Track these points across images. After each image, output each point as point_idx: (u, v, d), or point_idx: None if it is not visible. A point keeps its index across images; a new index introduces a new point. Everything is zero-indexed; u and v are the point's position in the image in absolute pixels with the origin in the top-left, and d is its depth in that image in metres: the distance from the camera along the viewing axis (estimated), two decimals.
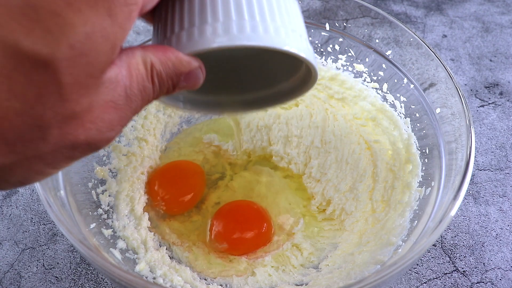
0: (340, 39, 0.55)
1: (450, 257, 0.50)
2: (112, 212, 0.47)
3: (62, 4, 0.18)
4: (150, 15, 0.29)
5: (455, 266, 0.49)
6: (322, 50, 0.56)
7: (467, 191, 0.55)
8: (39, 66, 0.18)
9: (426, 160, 0.47)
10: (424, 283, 0.48)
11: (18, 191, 0.55)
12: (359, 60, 0.55)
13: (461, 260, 0.50)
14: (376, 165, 0.51)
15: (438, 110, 0.47)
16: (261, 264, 0.47)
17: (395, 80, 0.52)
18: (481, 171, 0.58)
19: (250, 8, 0.26)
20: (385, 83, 0.53)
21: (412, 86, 0.51)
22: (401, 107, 0.52)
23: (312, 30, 0.55)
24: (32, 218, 0.53)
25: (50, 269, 0.49)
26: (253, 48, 0.25)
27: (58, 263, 0.49)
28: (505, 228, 0.52)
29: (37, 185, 0.36)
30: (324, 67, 0.57)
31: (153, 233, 0.48)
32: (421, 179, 0.47)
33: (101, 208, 0.46)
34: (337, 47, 0.55)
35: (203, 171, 0.55)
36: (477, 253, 0.50)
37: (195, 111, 0.37)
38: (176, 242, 0.49)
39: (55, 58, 0.18)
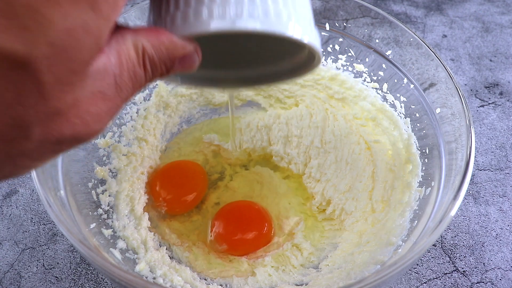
0: (340, 39, 0.55)
1: (450, 257, 0.50)
2: (112, 212, 0.47)
3: None
4: None
5: (455, 266, 0.49)
6: (322, 50, 0.56)
7: (467, 191, 0.55)
8: (17, 66, 0.17)
9: (426, 160, 0.47)
10: (424, 283, 0.48)
11: (18, 191, 0.55)
12: (359, 60, 0.55)
13: (461, 260, 0.50)
14: (376, 165, 0.51)
15: (438, 110, 0.47)
16: (261, 264, 0.47)
17: (395, 80, 0.52)
18: (481, 171, 0.58)
19: None
20: (385, 83, 0.53)
21: (412, 86, 0.51)
22: (401, 107, 0.52)
23: None
24: (32, 218, 0.53)
25: (50, 269, 0.49)
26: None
27: (58, 263, 0.49)
28: (505, 228, 0.52)
29: (37, 185, 0.36)
30: (324, 67, 0.57)
31: (153, 233, 0.48)
32: (421, 179, 0.47)
33: (101, 208, 0.46)
34: (337, 47, 0.55)
35: (204, 170, 0.55)
36: (477, 253, 0.50)
37: (193, 86, 0.35)
38: (176, 242, 0.49)
39: (34, 57, 0.17)
